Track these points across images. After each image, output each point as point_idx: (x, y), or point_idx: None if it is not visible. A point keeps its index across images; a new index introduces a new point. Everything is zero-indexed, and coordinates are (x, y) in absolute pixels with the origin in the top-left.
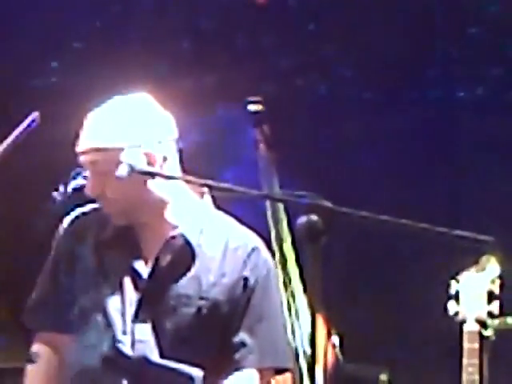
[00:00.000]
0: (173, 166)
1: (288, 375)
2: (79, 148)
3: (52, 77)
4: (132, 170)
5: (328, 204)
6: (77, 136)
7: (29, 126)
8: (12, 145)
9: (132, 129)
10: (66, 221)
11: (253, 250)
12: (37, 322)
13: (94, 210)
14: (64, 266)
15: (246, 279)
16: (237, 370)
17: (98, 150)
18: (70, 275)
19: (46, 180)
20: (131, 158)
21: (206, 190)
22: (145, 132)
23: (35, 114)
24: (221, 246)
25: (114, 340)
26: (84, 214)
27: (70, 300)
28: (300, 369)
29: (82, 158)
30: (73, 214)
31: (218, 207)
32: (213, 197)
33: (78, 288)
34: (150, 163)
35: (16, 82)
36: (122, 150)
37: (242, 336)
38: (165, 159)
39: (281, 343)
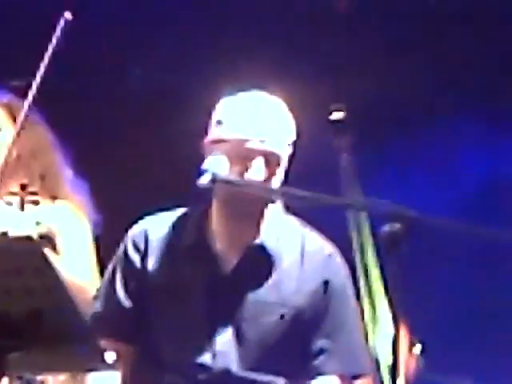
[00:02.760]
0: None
1: (369, 380)
2: (256, 136)
3: (136, 82)
4: (215, 179)
5: (411, 212)
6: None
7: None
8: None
9: (291, 126)
10: (135, 230)
11: (330, 255)
12: (98, 328)
13: (166, 219)
14: (132, 276)
15: (326, 283)
16: (318, 375)
17: (278, 143)
18: (137, 285)
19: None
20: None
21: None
22: (292, 130)
23: (67, 15)
24: (298, 252)
25: (194, 353)
26: (154, 223)
27: (137, 310)
28: (381, 377)
29: (255, 146)
30: (142, 224)
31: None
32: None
33: (147, 299)
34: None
35: (103, 86)
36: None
37: (322, 342)
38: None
39: (359, 349)
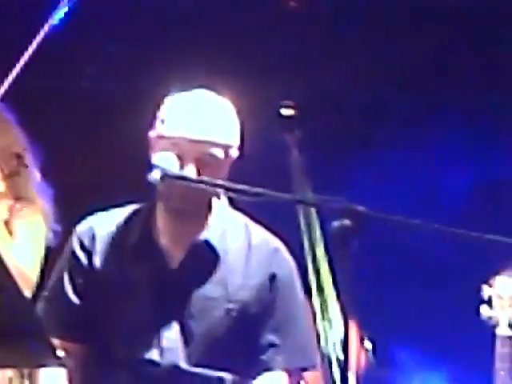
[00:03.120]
0: None
1: (318, 373)
2: (191, 135)
3: (85, 81)
4: (165, 174)
5: (360, 208)
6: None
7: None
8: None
9: (234, 128)
10: (82, 227)
11: (275, 249)
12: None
13: (113, 216)
14: (79, 275)
15: (272, 277)
16: (266, 370)
17: (216, 144)
18: (85, 283)
19: None
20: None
21: (221, 191)
22: (235, 131)
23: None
24: (243, 247)
25: (142, 350)
26: (100, 220)
27: (85, 309)
28: (332, 374)
29: (189, 146)
30: (88, 222)
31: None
32: (229, 197)
33: (95, 298)
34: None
35: (58, 85)
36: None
37: (270, 336)
38: None
39: (307, 342)
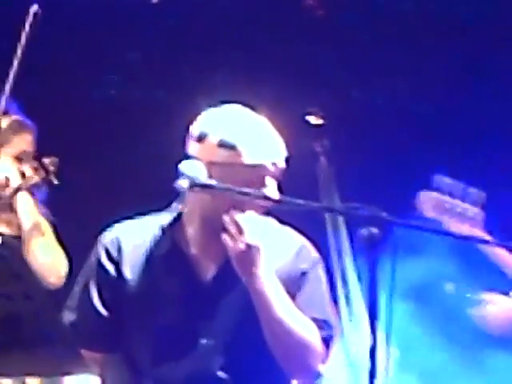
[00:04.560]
0: None
1: None
2: (276, 158)
3: (111, 89)
4: (193, 182)
5: (387, 216)
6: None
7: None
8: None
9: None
10: (108, 237)
11: (302, 247)
12: (76, 340)
13: (138, 226)
14: (107, 286)
15: (303, 274)
16: None
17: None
18: (113, 295)
19: None
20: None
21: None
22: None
23: (34, 8)
24: (279, 254)
25: (172, 362)
26: (125, 230)
27: (113, 320)
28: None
29: (273, 167)
30: (113, 232)
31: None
32: None
33: (123, 309)
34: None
35: (76, 94)
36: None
37: None
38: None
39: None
